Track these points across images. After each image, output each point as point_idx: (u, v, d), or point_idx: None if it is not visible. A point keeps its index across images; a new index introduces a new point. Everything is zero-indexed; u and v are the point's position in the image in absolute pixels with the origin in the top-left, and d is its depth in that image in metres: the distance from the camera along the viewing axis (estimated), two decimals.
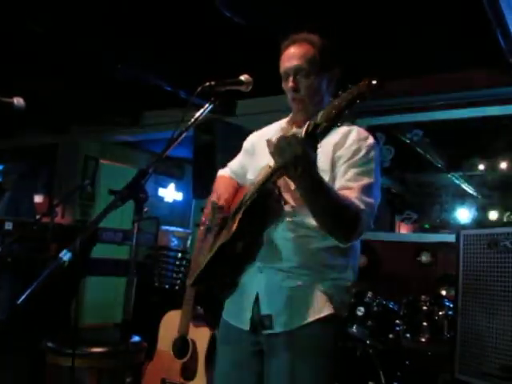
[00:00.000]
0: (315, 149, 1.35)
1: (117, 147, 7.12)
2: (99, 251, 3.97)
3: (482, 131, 4.23)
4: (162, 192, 7.75)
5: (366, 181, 1.57)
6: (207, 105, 1.70)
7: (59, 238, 3.45)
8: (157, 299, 4.52)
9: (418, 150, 4.74)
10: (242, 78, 1.77)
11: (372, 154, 1.63)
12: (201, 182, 4.35)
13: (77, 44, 3.99)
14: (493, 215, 4.48)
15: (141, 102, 5.71)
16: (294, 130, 1.45)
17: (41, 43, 4.03)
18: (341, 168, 1.61)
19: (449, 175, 5.06)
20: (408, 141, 4.60)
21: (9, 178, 5.33)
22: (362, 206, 1.51)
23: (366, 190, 1.55)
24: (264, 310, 1.63)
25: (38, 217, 4.29)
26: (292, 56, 1.68)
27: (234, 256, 1.63)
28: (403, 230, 5.09)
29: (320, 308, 1.60)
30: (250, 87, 1.78)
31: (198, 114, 1.68)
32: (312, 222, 1.57)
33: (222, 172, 2.02)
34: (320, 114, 1.31)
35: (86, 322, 6.17)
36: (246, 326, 1.66)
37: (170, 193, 7.89)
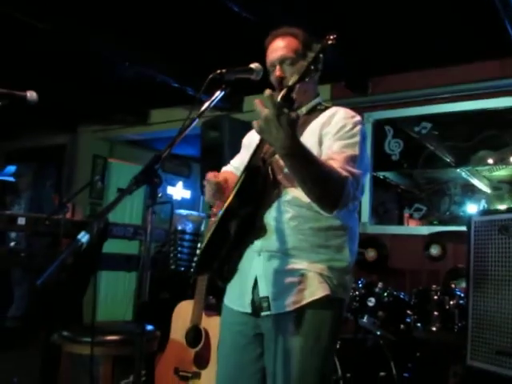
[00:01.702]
0: (291, 110, 1.42)
1: (125, 146, 7.16)
2: (108, 247, 4.00)
3: (490, 124, 4.22)
4: (170, 190, 7.80)
5: (350, 152, 1.59)
6: (218, 92, 1.71)
7: (70, 233, 3.48)
8: (167, 295, 4.54)
9: (426, 144, 4.73)
10: (252, 66, 1.78)
11: (357, 128, 1.67)
12: None
13: (84, 43, 4.02)
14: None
15: (148, 100, 5.74)
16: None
17: (48, 43, 4.06)
18: (327, 143, 1.65)
19: (457, 170, 5.04)
20: (416, 135, 4.59)
21: (22, 178, 5.39)
22: (346, 173, 1.52)
23: (350, 160, 1.58)
24: (262, 293, 1.65)
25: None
26: (277, 48, 1.77)
27: (228, 239, 1.66)
28: (412, 226, 5.09)
29: (315, 290, 1.61)
30: (260, 75, 1.79)
31: (209, 102, 1.69)
32: (303, 199, 1.59)
33: (224, 168, 2.07)
34: (292, 78, 1.46)
35: (97, 318, 6.20)
36: (248, 309, 1.68)
37: (178, 191, 7.95)
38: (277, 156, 1.65)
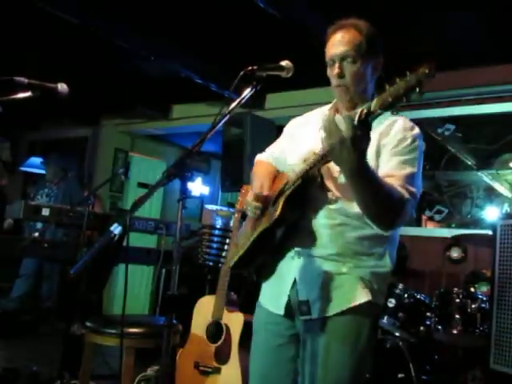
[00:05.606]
0: (367, 136, 1.31)
1: (146, 140, 7.21)
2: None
3: None
4: (189, 186, 7.81)
5: (409, 170, 1.56)
6: (249, 89, 1.72)
7: (93, 225, 3.52)
8: (185, 290, 4.56)
9: (449, 146, 4.68)
10: (283, 63, 1.76)
11: (416, 143, 1.62)
12: (229, 175, 4.38)
13: (110, 37, 4.04)
14: None
15: (171, 95, 5.76)
16: (345, 113, 1.41)
17: (74, 36, 4.09)
18: (385, 156, 1.60)
19: (479, 173, 4.98)
20: (439, 136, 4.55)
21: (51, 169, 5.45)
22: (407, 195, 1.51)
23: (410, 179, 1.55)
24: (301, 296, 1.63)
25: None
26: (339, 42, 1.66)
27: (273, 241, 1.65)
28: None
29: (357, 295, 1.59)
30: (291, 73, 1.78)
31: (240, 98, 1.70)
32: (352, 209, 1.57)
33: (260, 157, 1.99)
34: (374, 101, 1.26)
35: (115, 312, 6.26)
36: (281, 311, 1.67)
37: (197, 187, 7.96)
38: (329, 164, 1.60)
